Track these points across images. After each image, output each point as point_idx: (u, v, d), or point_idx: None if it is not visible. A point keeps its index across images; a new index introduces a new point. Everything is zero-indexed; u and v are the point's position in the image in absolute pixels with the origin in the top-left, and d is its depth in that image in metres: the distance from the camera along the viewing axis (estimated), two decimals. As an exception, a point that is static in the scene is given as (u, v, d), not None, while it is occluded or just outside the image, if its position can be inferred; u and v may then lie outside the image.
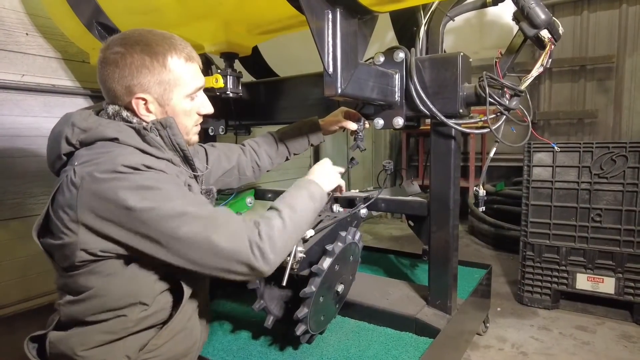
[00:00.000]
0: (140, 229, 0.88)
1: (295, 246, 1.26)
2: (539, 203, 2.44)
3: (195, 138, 1.15)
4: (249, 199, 2.00)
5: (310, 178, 1.26)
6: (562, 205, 2.38)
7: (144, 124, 1.00)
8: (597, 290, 2.33)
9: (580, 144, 2.31)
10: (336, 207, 1.65)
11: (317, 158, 4.09)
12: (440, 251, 1.51)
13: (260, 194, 2.09)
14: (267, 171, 1.63)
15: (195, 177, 1.15)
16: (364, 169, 5.14)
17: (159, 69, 0.98)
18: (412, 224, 1.69)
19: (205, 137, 2.22)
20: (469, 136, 4.74)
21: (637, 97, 4.37)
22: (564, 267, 2.41)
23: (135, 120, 1.01)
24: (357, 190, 2.10)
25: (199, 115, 1.12)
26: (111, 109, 1.03)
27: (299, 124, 1.65)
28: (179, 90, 1.02)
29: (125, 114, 1.02)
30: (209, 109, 1.13)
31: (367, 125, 1.62)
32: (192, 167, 1.12)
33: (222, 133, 2.03)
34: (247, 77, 2.20)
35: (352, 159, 1.61)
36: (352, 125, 1.61)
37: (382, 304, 1.59)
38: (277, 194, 2.05)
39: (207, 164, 1.42)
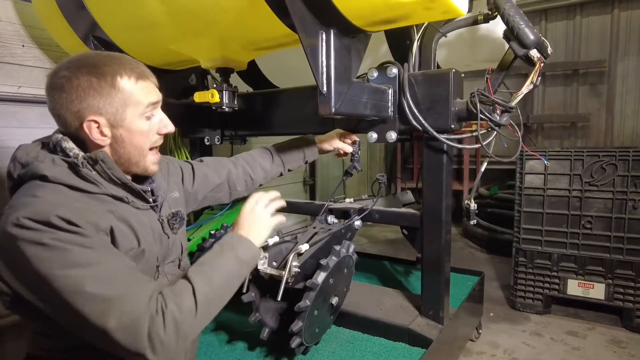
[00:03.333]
0: (40, 288, 0.84)
1: (290, 260, 1.29)
2: (531, 210, 2.48)
3: (152, 167, 1.07)
4: (245, 209, 2.03)
5: (240, 234, 1.11)
6: (554, 212, 2.42)
7: (81, 156, 0.95)
8: (587, 295, 2.38)
9: (571, 151, 2.35)
10: (331, 219, 1.68)
11: (313, 163, 4.11)
12: (433, 262, 1.54)
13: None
14: (260, 185, 1.62)
15: (153, 206, 1.09)
16: (361, 174, 5.17)
17: (107, 89, 0.94)
18: (405, 232, 1.73)
19: (201, 147, 2.25)
20: (462, 141, 4.78)
21: (629, 102, 4.43)
22: (555, 273, 2.45)
23: (73, 153, 0.95)
24: (352, 200, 2.13)
25: (159, 135, 1.05)
26: (54, 139, 0.97)
27: (295, 140, 1.65)
28: (132, 109, 0.97)
29: (65, 145, 0.96)
30: (169, 127, 1.06)
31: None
32: (143, 198, 1.06)
33: (218, 143, 2.05)
34: (244, 87, 2.22)
35: (347, 172, 1.63)
36: (347, 148, 1.62)
37: (376, 314, 1.61)
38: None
39: (193, 180, 1.38)
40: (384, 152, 5.59)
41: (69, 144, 0.96)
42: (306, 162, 1.66)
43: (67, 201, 0.89)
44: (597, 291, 2.35)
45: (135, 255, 0.98)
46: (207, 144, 2.09)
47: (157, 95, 1.04)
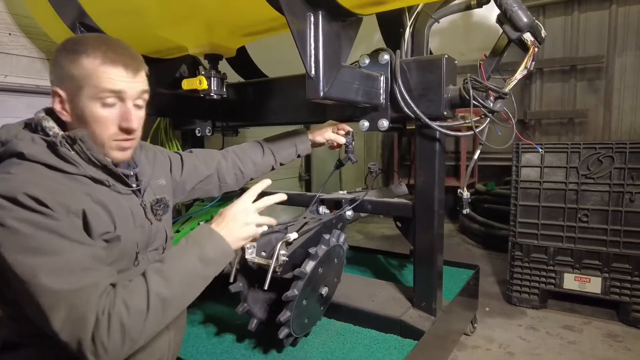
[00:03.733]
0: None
1: (278, 249, 1.26)
2: (527, 203, 2.45)
3: (117, 154, 0.99)
4: (236, 200, 1.99)
5: (211, 227, 1.02)
6: (550, 206, 2.39)
7: (60, 135, 0.92)
8: (584, 289, 2.35)
9: (567, 144, 2.32)
10: (322, 209, 1.66)
11: (308, 158, 4.07)
12: (425, 253, 1.51)
13: (247, 195, 2.08)
14: (251, 179, 1.58)
15: (135, 191, 1.06)
16: (357, 168, 5.14)
17: (71, 64, 0.92)
18: (399, 224, 1.70)
19: (192, 138, 2.22)
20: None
21: (626, 97, 4.40)
22: (551, 267, 2.42)
23: (53, 131, 0.93)
24: (345, 192, 2.10)
25: (121, 129, 0.96)
26: (36, 118, 0.96)
27: (287, 133, 1.62)
28: (88, 91, 0.92)
29: (45, 123, 0.94)
30: (129, 123, 0.96)
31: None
32: (125, 182, 1.02)
33: (209, 134, 2.02)
34: (235, 78, 2.20)
35: (340, 162, 1.60)
36: (340, 140, 1.59)
37: (368, 306, 1.59)
38: (266, 196, 2.04)
39: (182, 170, 1.35)
40: (381, 148, 5.56)
41: (49, 123, 0.95)
42: (299, 156, 1.63)
43: (41, 180, 0.87)
44: (593, 285, 2.32)
45: (109, 239, 0.95)
46: (199, 135, 2.06)
47: (125, 85, 0.94)
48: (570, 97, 4.64)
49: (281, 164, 1.62)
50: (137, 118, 1.00)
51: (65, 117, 0.96)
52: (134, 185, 1.07)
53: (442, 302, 1.61)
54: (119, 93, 0.94)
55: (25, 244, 0.80)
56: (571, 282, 2.38)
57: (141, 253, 1.06)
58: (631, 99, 4.40)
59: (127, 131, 0.97)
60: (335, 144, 1.62)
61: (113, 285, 0.87)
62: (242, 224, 1.05)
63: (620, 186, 2.21)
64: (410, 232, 1.60)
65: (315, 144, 1.63)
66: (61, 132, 0.94)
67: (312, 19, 1.12)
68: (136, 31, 1.52)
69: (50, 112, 1.00)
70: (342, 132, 1.62)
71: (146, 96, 1.03)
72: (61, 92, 0.94)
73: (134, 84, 0.97)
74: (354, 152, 1.61)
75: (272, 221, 1.14)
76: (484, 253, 3.69)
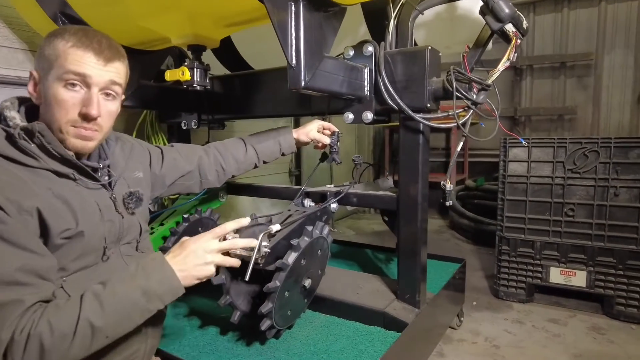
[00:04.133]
0: None
1: (260, 240, 1.25)
2: (514, 198, 2.46)
3: (74, 142, 0.95)
4: (222, 194, 1.99)
5: (166, 259, 0.95)
6: (537, 200, 2.41)
7: (18, 127, 0.89)
8: (569, 283, 2.37)
9: (554, 139, 2.34)
10: (307, 202, 1.65)
11: (298, 154, 4.06)
12: (409, 245, 1.51)
13: (234, 189, 2.07)
14: (233, 176, 1.56)
15: (105, 184, 1.03)
16: (348, 164, 5.14)
17: (46, 45, 0.92)
18: (386, 219, 1.70)
19: (178, 132, 2.20)
20: (450, 132, 4.78)
21: (615, 94, 4.45)
22: (538, 261, 2.44)
23: (13, 122, 0.90)
24: (332, 185, 2.10)
25: (81, 114, 0.92)
26: (0, 106, 0.94)
27: (270, 131, 1.59)
28: (53, 72, 0.91)
29: (7, 113, 0.91)
30: (89, 109, 0.92)
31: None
32: (91, 176, 0.99)
33: (195, 127, 2.01)
34: (222, 70, 2.18)
35: (324, 155, 1.59)
36: (325, 140, 1.57)
37: (352, 299, 1.59)
38: (253, 189, 2.04)
39: (162, 163, 1.33)
40: (373, 144, 5.56)
41: (11, 113, 0.92)
42: (283, 154, 1.61)
43: None
44: (578, 279, 2.35)
45: (71, 236, 0.92)
46: (185, 128, 2.05)
47: (90, 70, 0.91)
48: (560, 93, 4.68)
49: (264, 162, 1.60)
50: (105, 109, 0.96)
51: (36, 99, 0.95)
52: (105, 178, 1.04)
53: (426, 294, 1.61)
54: (84, 77, 0.91)
55: None
56: (557, 276, 2.40)
57: (111, 248, 1.03)
58: (619, 96, 4.44)
59: (86, 117, 0.93)
60: (320, 143, 1.60)
61: (47, 301, 0.84)
62: (201, 262, 0.97)
63: (605, 180, 2.23)
64: (395, 225, 1.60)
65: (299, 143, 1.61)
66: (21, 124, 0.90)
67: (293, 8, 1.11)
68: (118, 22, 1.50)
69: (25, 100, 0.98)
70: (328, 132, 1.61)
71: (117, 89, 0.99)
72: (35, 73, 0.94)
73: (102, 72, 0.94)
74: (338, 152, 1.59)
75: (233, 263, 1.07)
76: (473, 248, 3.71)
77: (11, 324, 0.77)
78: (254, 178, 2.93)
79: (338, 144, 1.60)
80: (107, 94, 0.97)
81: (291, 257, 1.25)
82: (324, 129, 1.61)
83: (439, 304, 1.75)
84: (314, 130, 1.58)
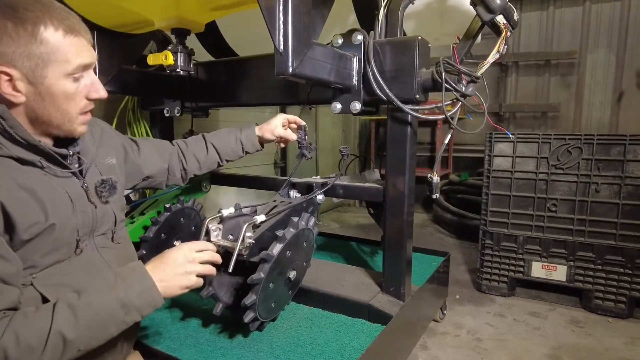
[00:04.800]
0: None
1: (244, 231, 1.22)
2: (498, 193, 2.48)
3: (81, 128, 0.95)
4: (205, 184, 1.94)
5: (146, 270, 0.91)
6: (521, 195, 2.43)
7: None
8: (550, 277, 2.41)
9: (539, 134, 2.36)
10: (293, 193, 1.62)
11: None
12: (395, 238, 1.50)
13: (218, 179, 2.03)
14: (195, 175, 1.51)
15: (76, 172, 0.98)
16: (333, 156, 5.12)
17: (26, 38, 0.81)
18: (372, 211, 1.69)
19: (161, 119, 2.14)
20: (436, 127, 4.80)
21: (596, 93, 4.52)
22: (520, 256, 2.47)
23: None
24: (318, 177, 2.07)
25: (88, 99, 0.93)
26: None
27: (233, 129, 1.51)
28: (56, 67, 0.85)
29: None
30: (100, 92, 0.94)
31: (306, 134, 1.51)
32: (61, 164, 0.94)
33: (178, 114, 1.95)
34: (206, 57, 2.12)
35: (302, 154, 1.52)
36: (290, 136, 1.49)
37: (337, 291, 1.57)
38: (237, 179, 2.00)
39: (138, 152, 1.29)
40: (359, 138, 5.55)
41: None
42: (247, 153, 1.54)
43: None
44: (559, 273, 2.38)
45: (40, 230, 0.86)
46: (167, 115, 1.99)
47: (90, 56, 0.91)
48: (544, 91, 4.73)
49: (227, 161, 1.54)
50: None
51: (17, 97, 0.85)
52: (75, 166, 0.98)
53: (411, 287, 1.61)
54: (89, 66, 0.91)
55: None
56: (538, 270, 2.44)
57: (84, 240, 0.98)
58: (601, 95, 4.52)
59: (96, 100, 0.93)
60: (286, 140, 1.53)
61: (13, 308, 0.79)
62: (182, 272, 0.96)
63: (587, 177, 2.26)
64: (381, 218, 1.58)
65: (264, 140, 1.53)
66: (20, 100, 0.85)
67: (281, -9, 1.08)
68: (99, 2, 1.44)
69: None
70: (294, 126, 1.54)
71: None
72: (12, 71, 0.82)
73: (93, 52, 0.93)
74: (307, 147, 1.52)
75: (213, 273, 1.05)
76: (456, 242, 3.74)
77: None
78: (239, 169, 2.89)
79: (306, 137, 1.52)
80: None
81: (276, 249, 1.22)
82: (289, 123, 1.53)
83: (423, 297, 1.75)
84: (279, 126, 1.50)
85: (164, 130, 2.16)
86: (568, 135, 2.30)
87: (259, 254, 1.26)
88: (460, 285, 2.73)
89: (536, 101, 4.76)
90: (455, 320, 2.24)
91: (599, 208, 2.26)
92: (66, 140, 0.98)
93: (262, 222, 1.30)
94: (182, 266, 0.96)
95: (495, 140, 2.45)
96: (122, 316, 0.86)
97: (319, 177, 2.08)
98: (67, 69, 0.87)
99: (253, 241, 1.22)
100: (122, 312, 0.85)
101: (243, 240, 1.20)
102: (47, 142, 0.93)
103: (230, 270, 1.17)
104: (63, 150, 0.95)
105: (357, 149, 5.60)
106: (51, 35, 0.84)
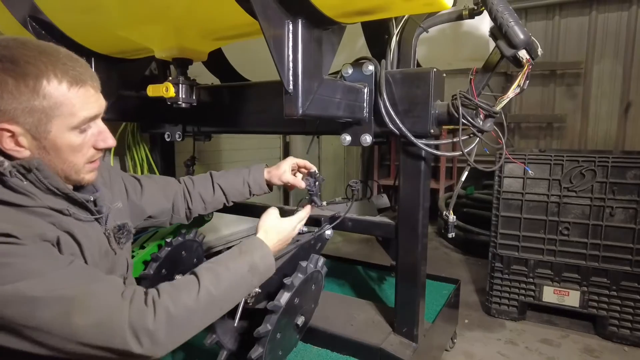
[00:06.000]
0: None
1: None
2: (509, 214, 2.41)
3: (89, 176, 0.93)
4: (208, 213, 1.86)
5: (262, 239, 1.08)
6: (532, 218, 2.36)
7: (8, 164, 0.79)
8: (562, 303, 2.33)
9: (551, 156, 2.28)
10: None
11: (286, 153, 3.94)
12: (407, 276, 1.43)
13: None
14: (199, 215, 1.44)
15: (98, 219, 0.97)
16: (335, 166, 5.05)
17: (27, 94, 0.78)
18: (380, 239, 1.61)
19: (161, 143, 2.07)
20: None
21: (603, 104, 4.45)
22: (531, 280, 2.40)
23: None
24: (325, 203, 2.00)
25: (96, 149, 0.91)
26: None
27: (242, 170, 1.45)
28: (61, 121, 0.82)
29: None
30: (108, 142, 0.92)
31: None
32: (89, 209, 0.94)
33: (179, 139, 1.88)
34: (210, 79, 2.05)
35: (312, 201, 1.42)
36: (299, 184, 1.41)
37: (346, 331, 1.50)
38: (240, 207, 1.91)
39: (141, 192, 1.24)
40: (361, 147, 5.48)
41: None
42: (253, 195, 1.47)
43: None
44: (572, 298, 2.31)
45: None
46: (168, 140, 1.91)
47: (98, 107, 0.88)
48: (550, 101, 4.67)
49: (234, 202, 1.47)
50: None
51: (20, 152, 0.82)
52: (99, 212, 0.97)
53: (424, 325, 1.53)
54: (95, 117, 0.88)
55: (4, 276, 0.71)
56: (550, 295, 2.36)
57: None
58: (607, 106, 4.45)
59: (105, 149, 0.92)
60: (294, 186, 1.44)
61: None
62: (285, 242, 1.19)
63: (601, 200, 2.19)
64: (392, 248, 1.51)
65: (272, 184, 1.46)
66: (7, 161, 0.80)
67: (290, 27, 1.00)
68: (95, 30, 1.37)
69: None
70: (305, 171, 1.45)
71: None
72: (14, 128, 0.79)
73: (101, 100, 0.90)
74: (318, 195, 1.41)
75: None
76: (462, 258, 3.67)
77: (121, 299, 0.78)
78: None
79: (316, 184, 1.41)
80: None
81: (284, 298, 1.15)
82: (299, 167, 1.46)
83: (436, 334, 1.68)
84: (287, 171, 1.41)
85: (165, 154, 2.09)
86: (581, 157, 2.22)
87: (265, 300, 1.19)
88: (469, 308, 2.66)
89: (541, 112, 4.70)
90: (465, 348, 2.17)
91: (613, 232, 2.18)
92: (82, 186, 0.96)
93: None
94: (290, 234, 1.20)
95: (506, 160, 2.38)
96: (250, 279, 0.98)
97: (325, 202, 2.01)
98: (73, 122, 0.84)
99: (259, 290, 1.14)
100: (250, 275, 0.98)
101: (249, 289, 1.13)
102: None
103: (235, 324, 1.09)
104: (85, 196, 0.94)
105: (359, 158, 5.53)
106: (55, 88, 0.80)
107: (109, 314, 0.75)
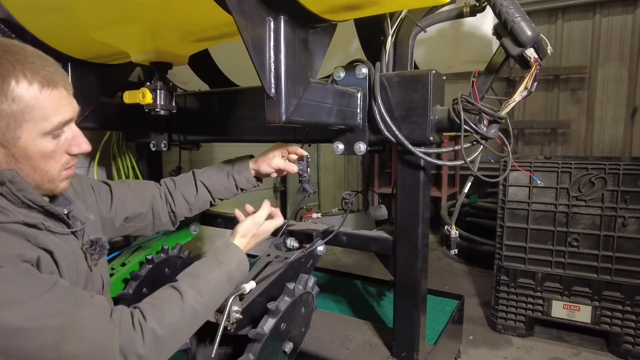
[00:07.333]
0: None
1: (230, 304, 1.04)
2: (514, 225, 2.29)
3: (62, 185, 0.86)
4: (194, 226, 1.76)
5: (237, 245, 1.10)
6: (539, 228, 2.24)
7: None
8: (573, 318, 2.21)
9: (558, 164, 2.17)
10: (290, 242, 1.43)
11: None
12: (406, 296, 1.31)
13: (207, 220, 1.84)
14: (186, 217, 1.34)
15: (75, 232, 0.89)
16: (335, 174, 4.94)
17: None
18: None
19: (147, 153, 1.97)
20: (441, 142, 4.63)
21: (608, 109, 4.34)
22: (539, 294, 2.27)
23: None
24: (319, 214, 1.89)
25: (70, 155, 0.84)
26: None
27: (225, 165, 1.35)
28: (32, 126, 0.75)
29: None
30: (82, 147, 0.85)
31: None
32: (66, 222, 0.87)
33: (165, 149, 1.78)
34: (199, 85, 1.96)
35: (303, 188, 1.32)
36: (291, 168, 1.31)
37: (340, 356, 1.38)
38: (229, 220, 1.81)
39: (110, 204, 1.13)
40: (361, 156, 5.37)
41: None
42: (241, 190, 1.36)
43: None
44: (583, 314, 2.18)
45: None
46: (154, 149, 1.81)
47: (72, 110, 0.82)
48: (554, 107, 4.56)
49: (221, 200, 1.36)
50: None
51: None
52: (75, 225, 0.90)
53: (425, 348, 1.41)
54: (68, 121, 0.81)
55: None
56: (560, 310, 2.24)
57: None
58: (613, 110, 4.34)
59: (78, 154, 0.86)
60: (285, 172, 1.34)
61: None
62: (261, 240, 1.20)
63: (613, 209, 2.07)
64: (390, 264, 1.40)
65: (260, 174, 1.34)
66: None
67: (271, 25, 0.91)
68: (69, 32, 1.27)
69: None
70: (295, 157, 1.34)
71: None
72: None
73: (74, 103, 0.83)
74: (309, 181, 1.32)
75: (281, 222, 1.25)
76: (466, 269, 3.54)
77: (112, 326, 0.76)
78: (234, 199, 2.71)
79: (308, 170, 1.32)
80: None
81: (268, 324, 1.04)
82: (289, 153, 1.34)
83: (438, 356, 1.56)
84: (277, 157, 1.31)
85: (152, 164, 1.99)
86: (590, 164, 2.11)
87: (250, 326, 1.07)
88: (473, 323, 2.53)
89: (545, 117, 4.59)
90: (470, 367, 2.05)
91: (626, 244, 2.06)
92: (54, 196, 0.88)
93: (251, 290, 1.11)
94: (261, 234, 1.18)
95: (511, 169, 2.27)
96: (228, 287, 1.00)
97: (320, 214, 1.90)
98: (46, 127, 0.77)
99: (240, 316, 1.03)
100: (228, 284, 1.00)
101: (229, 315, 1.02)
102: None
103: (213, 355, 0.98)
104: (60, 209, 0.87)
105: (359, 164, 5.42)
106: (25, 90, 0.73)
107: (100, 342, 0.73)
